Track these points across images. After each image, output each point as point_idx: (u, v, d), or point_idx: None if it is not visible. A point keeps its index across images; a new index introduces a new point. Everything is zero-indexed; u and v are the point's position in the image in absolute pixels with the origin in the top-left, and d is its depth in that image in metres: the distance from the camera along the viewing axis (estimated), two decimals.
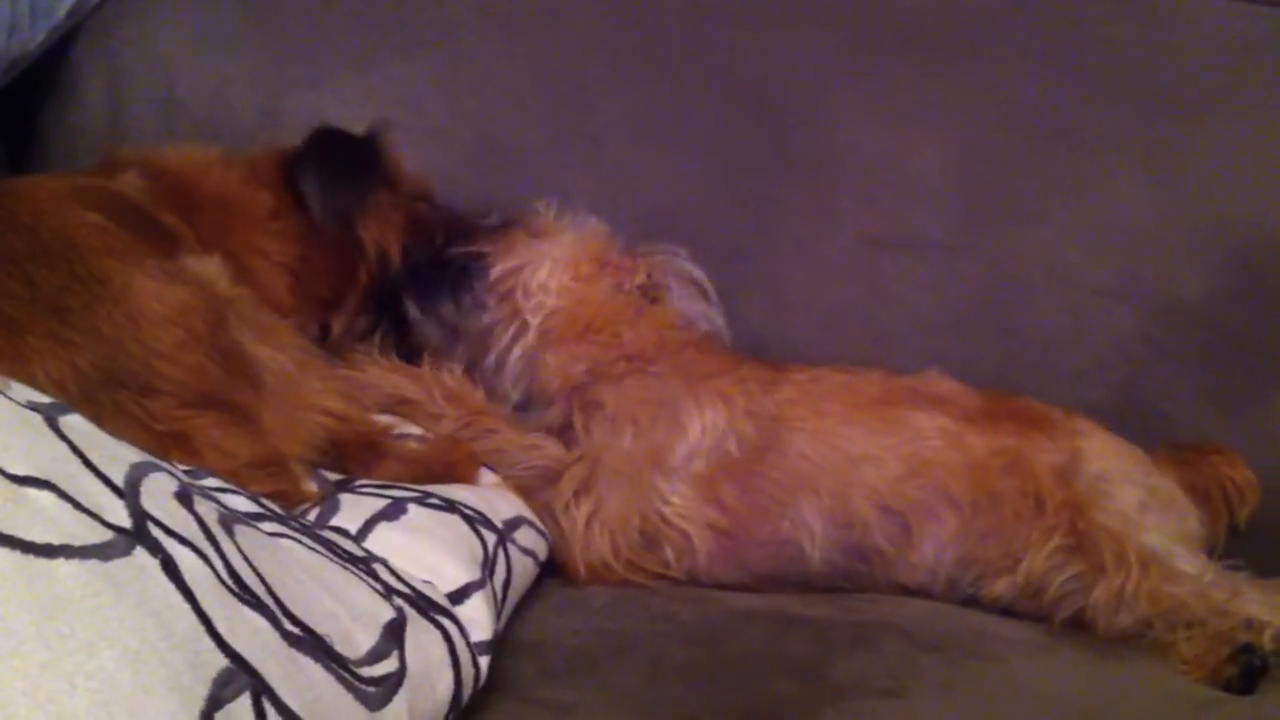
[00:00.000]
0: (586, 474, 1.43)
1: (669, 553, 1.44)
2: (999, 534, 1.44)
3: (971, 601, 1.45)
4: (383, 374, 1.48)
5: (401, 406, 1.46)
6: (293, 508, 1.11)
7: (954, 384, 1.56)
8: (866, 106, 1.78)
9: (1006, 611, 1.44)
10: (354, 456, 1.28)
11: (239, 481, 1.05)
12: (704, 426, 1.46)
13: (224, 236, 1.39)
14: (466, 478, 1.36)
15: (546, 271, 1.58)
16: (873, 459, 1.46)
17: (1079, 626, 1.38)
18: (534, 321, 1.55)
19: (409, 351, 1.55)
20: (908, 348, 1.72)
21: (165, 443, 1.06)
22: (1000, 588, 1.43)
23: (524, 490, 1.40)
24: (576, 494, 1.41)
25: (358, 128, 1.59)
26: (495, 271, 1.58)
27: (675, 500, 1.44)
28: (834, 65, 1.79)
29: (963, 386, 1.56)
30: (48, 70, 1.78)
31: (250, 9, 1.85)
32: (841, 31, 1.80)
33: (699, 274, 1.65)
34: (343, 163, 1.55)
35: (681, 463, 1.45)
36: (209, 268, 1.24)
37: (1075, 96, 1.75)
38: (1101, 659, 1.32)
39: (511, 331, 1.56)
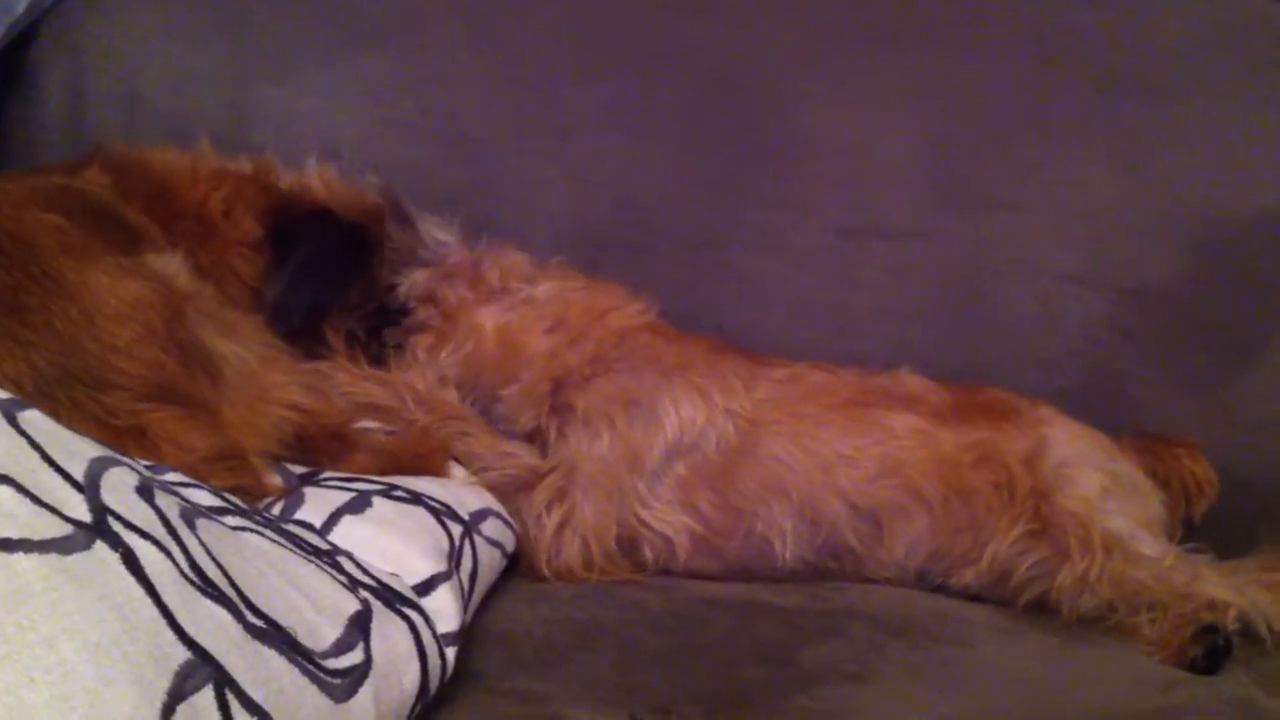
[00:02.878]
0: (562, 483, 1.42)
1: (648, 553, 1.44)
2: (971, 528, 1.45)
3: (939, 589, 1.46)
4: (353, 380, 1.46)
5: (374, 412, 1.44)
6: (255, 501, 1.10)
7: (925, 381, 1.56)
8: (834, 94, 1.78)
9: (972, 596, 1.45)
10: (322, 449, 1.28)
11: (199, 475, 1.04)
12: (681, 422, 1.46)
13: (197, 248, 1.39)
14: (436, 469, 1.36)
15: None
16: (845, 460, 1.47)
17: (1044, 610, 1.39)
18: (489, 328, 1.54)
19: (376, 356, 1.54)
20: (877, 336, 1.74)
21: (123, 438, 1.06)
22: (968, 576, 1.44)
23: (496, 495, 1.39)
24: (550, 503, 1.41)
25: (326, 124, 1.58)
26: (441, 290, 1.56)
27: (655, 505, 1.44)
28: (802, 54, 1.79)
29: (933, 383, 1.56)
30: (7, 65, 1.76)
31: (209, 6, 1.84)
32: (809, 20, 1.81)
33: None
34: (322, 279, 1.52)
35: (660, 464, 1.45)
36: (169, 264, 1.24)
37: (1041, 82, 1.76)
38: (1067, 641, 1.34)
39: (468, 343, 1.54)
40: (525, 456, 1.45)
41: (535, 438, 1.48)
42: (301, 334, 1.46)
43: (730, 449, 1.46)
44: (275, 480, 1.18)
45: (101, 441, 0.85)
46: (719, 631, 1.29)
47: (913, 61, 1.78)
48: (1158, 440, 1.59)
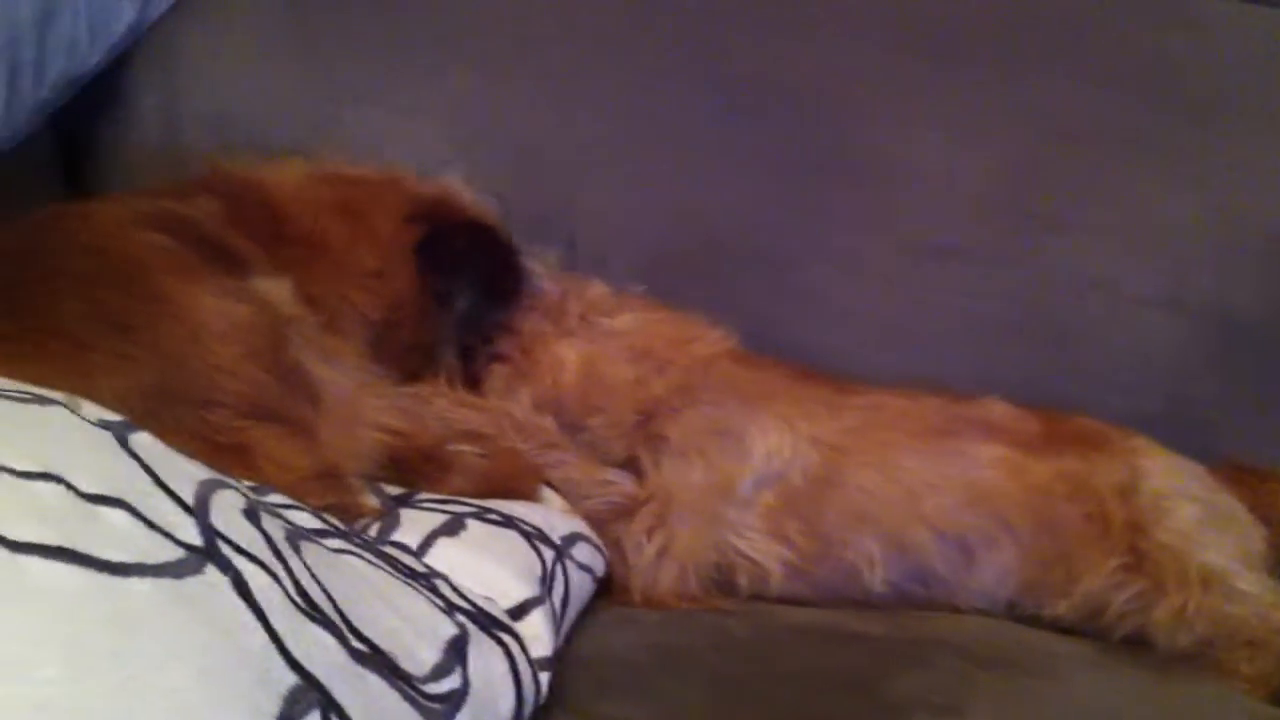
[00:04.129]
0: (659, 511, 1.42)
1: (741, 581, 1.44)
2: (1062, 560, 1.43)
3: (1031, 621, 1.44)
4: (451, 406, 1.46)
5: (471, 439, 1.43)
6: (352, 521, 1.11)
7: (1011, 409, 1.55)
8: (910, 116, 1.78)
9: (1064, 629, 1.43)
10: (418, 471, 1.28)
11: (298, 494, 1.05)
12: (769, 451, 1.45)
13: (308, 277, 1.36)
14: (528, 493, 1.36)
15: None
16: (932, 488, 1.45)
17: (1137, 644, 1.37)
18: (573, 361, 1.54)
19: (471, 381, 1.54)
20: (955, 359, 1.73)
21: (225, 455, 1.06)
22: (1061, 608, 1.42)
23: (594, 523, 1.39)
24: (649, 531, 1.41)
25: (408, 143, 1.60)
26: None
27: (748, 534, 1.43)
28: (878, 75, 1.79)
29: (1020, 411, 1.55)
30: (105, 88, 1.80)
31: (297, 27, 1.86)
32: (886, 42, 1.80)
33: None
34: (491, 288, 1.54)
35: (750, 493, 1.45)
36: (274, 289, 1.25)
37: (1119, 105, 1.74)
38: (1162, 677, 1.31)
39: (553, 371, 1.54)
40: (624, 483, 1.45)
41: (627, 467, 1.48)
42: (427, 322, 1.47)
43: (816, 478, 1.46)
44: (372, 501, 1.19)
45: (203, 460, 0.87)
46: (804, 660, 1.29)
47: (989, 84, 1.77)
48: (1252, 472, 1.56)
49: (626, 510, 1.43)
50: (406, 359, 1.47)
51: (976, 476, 1.47)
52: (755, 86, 1.80)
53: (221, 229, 1.33)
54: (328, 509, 1.07)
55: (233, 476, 0.87)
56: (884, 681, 1.23)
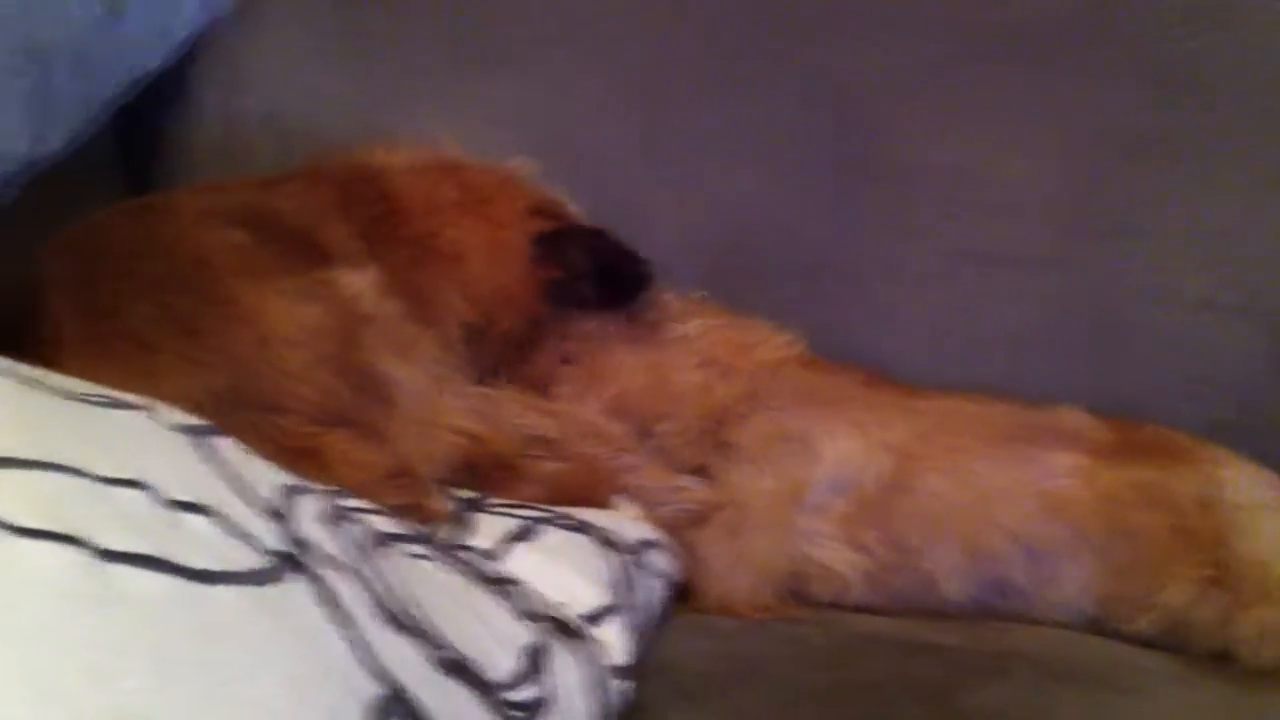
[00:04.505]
0: (733, 517, 1.41)
1: (816, 589, 1.42)
2: (1141, 571, 1.39)
3: (1113, 635, 1.41)
4: (522, 410, 1.45)
5: (542, 445, 1.42)
6: (426, 523, 1.10)
7: (1086, 417, 1.51)
8: (954, 118, 1.75)
9: (1145, 643, 1.39)
10: (489, 477, 1.27)
11: (372, 494, 1.04)
12: (838, 458, 1.43)
13: (414, 276, 1.36)
14: (601, 501, 1.34)
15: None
16: (1006, 495, 1.42)
17: (1221, 658, 1.33)
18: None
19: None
20: (1007, 364, 1.69)
21: (296, 459, 1.04)
22: (1142, 623, 1.38)
23: (669, 529, 1.37)
24: (725, 537, 1.39)
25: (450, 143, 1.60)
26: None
27: (823, 542, 1.41)
28: (922, 76, 1.75)
29: (1095, 419, 1.51)
30: (169, 86, 1.80)
31: (347, 26, 1.85)
32: (928, 43, 1.76)
33: None
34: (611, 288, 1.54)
35: (822, 499, 1.43)
36: (355, 282, 1.23)
37: (1175, 106, 1.69)
38: (1247, 691, 1.27)
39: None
40: (697, 489, 1.43)
41: (697, 474, 1.46)
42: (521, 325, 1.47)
43: (889, 484, 1.43)
44: (444, 503, 1.18)
45: (277, 465, 0.85)
46: (879, 670, 1.26)
47: (1034, 85, 1.73)
48: None
49: (700, 517, 1.41)
50: (497, 354, 1.47)
51: (1051, 485, 1.43)
52: (800, 89, 1.77)
53: (312, 219, 1.32)
54: (400, 510, 1.06)
55: (308, 480, 0.86)
56: (960, 693, 1.20)
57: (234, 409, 1.08)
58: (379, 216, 1.40)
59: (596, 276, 1.52)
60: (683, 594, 1.37)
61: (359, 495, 1.02)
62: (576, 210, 1.62)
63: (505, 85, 1.81)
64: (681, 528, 1.39)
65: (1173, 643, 1.37)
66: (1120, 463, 1.45)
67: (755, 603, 1.38)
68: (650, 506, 1.40)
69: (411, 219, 1.43)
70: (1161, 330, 1.68)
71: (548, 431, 1.44)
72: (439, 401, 1.24)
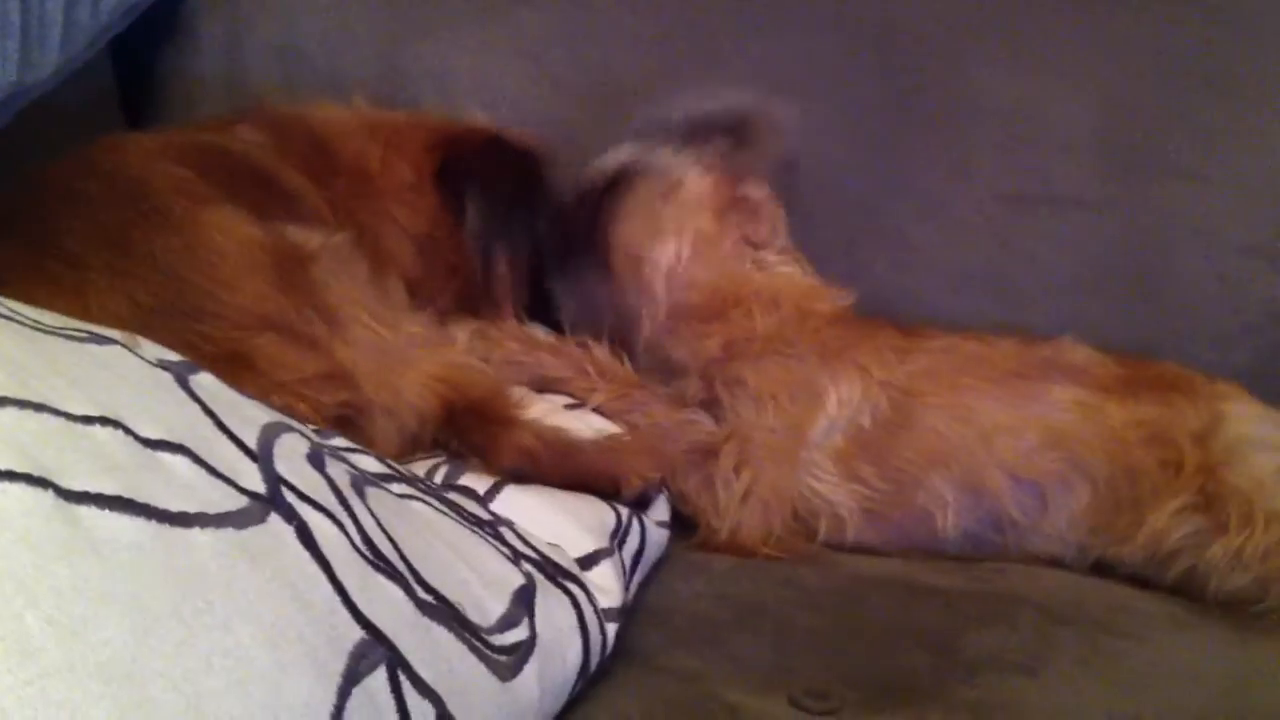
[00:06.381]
0: (740, 449, 1.40)
1: (822, 524, 1.42)
2: (1134, 507, 1.39)
3: (1099, 565, 1.41)
4: (527, 351, 1.45)
5: (548, 384, 1.43)
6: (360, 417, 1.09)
7: (1090, 352, 1.50)
8: (1003, 55, 1.71)
9: (1141, 582, 1.38)
10: (472, 429, 1.20)
11: (302, 392, 1.04)
12: (840, 400, 1.43)
13: (357, 203, 1.39)
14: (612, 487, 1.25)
15: (670, 243, 1.54)
16: (1006, 431, 1.42)
17: (1225, 605, 1.31)
18: (665, 298, 1.52)
19: (547, 322, 1.54)
20: (1041, 308, 1.68)
21: (218, 365, 1.00)
22: (1126, 550, 1.39)
23: (682, 465, 1.38)
24: (737, 468, 1.39)
25: (478, 80, 1.57)
26: (616, 237, 1.54)
27: (825, 477, 1.42)
28: (969, 12, 1.72)
29: (1100, 354, 1.50)
30: (166, 18, 1.77)
31: None
32: None
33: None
34: (505, 192, 1.55)
35: (822, 437, 1.43)
36: (309, 237, 1.21)
37: (1229, 46, 1.66)
38: (1248, 636, 1.26)
39: (640, 304, 1.53)
40: (706, 422, 1.44)
41: (706, 408, 1.47)
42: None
43: (886, 421, 1.43)
44: (389, 429, 1.15)
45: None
46: (878, 613, 1.25)
47: (1087, 22, 1.70)
48: None
49: (712, 451, 1.41)
50: (453, 284, 1.49)
51: (1053, 419, 1.43)
52: (838, 25, 1.74)
53: (271, 161, 1.32)
54: (338, 408, 1.05)
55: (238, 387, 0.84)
56: (961, 638, 1.19)
57: (159, 318, 1.06)
58: (312, 153, 1.41)
59: (484, 191, 1.53)
60: (695, 530, 1.38)
61: (290, 396, 1.02)
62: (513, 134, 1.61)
63: (541, 16, 1.78)
64: (695, 463, 1.40)
65: (1154, 570, 1.37)
66: (1124, 398, 1.44)
67: (765, 537, 1.38)
68: (662, 442, 1.40)
69: (340, 150, 1.45)
70: (1193, 273, 1.66)
71: (553, 370, 1.43)
72: (410, 352, 1.20)
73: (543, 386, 1.43)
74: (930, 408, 1.44)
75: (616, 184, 1.57)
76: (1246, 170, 1.65)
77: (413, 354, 1.21)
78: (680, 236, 1.54)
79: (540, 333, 1.51)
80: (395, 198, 1.46)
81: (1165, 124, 1.67)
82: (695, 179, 1.58)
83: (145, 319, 1.04)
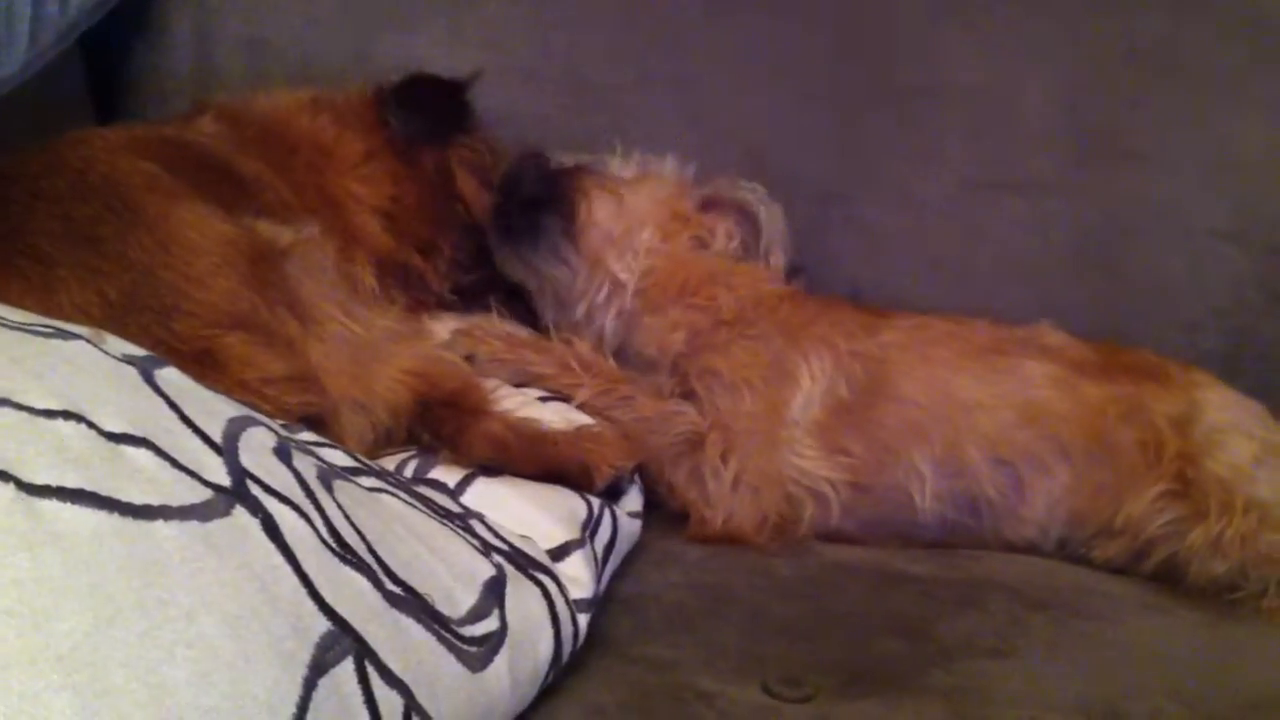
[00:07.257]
0: (724, 438, 1.41)
1: (808, 509, 1.42)
2: (1113, 488, 1.39)
3: (1082, 561, 1.41)
4: (510, 349, 1.45)
5: (532, 380, 1.43)
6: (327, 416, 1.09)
7: (1065, 336, 1.51)
8: (968, 42, 1.72)
9: (1114, 569, 1.39)
10: (444, 420, 1.20)
11: (268, 393, 1.03)
12: (812, 373, 1.44)
13: (317, 181, 1.39)
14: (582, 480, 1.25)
15: (634, 229, 1.55)
16: (983, 406, 1.42)
17: (1194, 589, 1.33)
18: (630, 283, 1.53)
19: (524, 318, 1.55)
20: (1007, 293, 1.68)
21: (188, 364, 0.96)
22: (1111, 548, 1.39)
23: (669, 457, 1.40)
24: (723, 457, 1.40)
25: (447, 71, 1.58)
26: (578, 222, 1.55)
27: (807, 453, 1.42)
28: None
29: (1075, 339, 1.51)
30: (135, 13, 1.76)
31: None
32: None
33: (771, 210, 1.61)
34: (431, 98, 1.57)
35: (800, 413, 1.43)
36: (280, 233, 1.21)
37: (1193, 32, 1.68)
38: (1216, 619, 1.28)
39: (605, 291, 1.54)
40: (690, 413, 1.43)
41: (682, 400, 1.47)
42: (431, 188, 1.54)
43: (863, 388, 1.44)
44: (360, 425, 1.15)
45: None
46: (851, 600, 1.26)
47: (1052, 8, 1.71)
48: None
49: (697, 441, 1.41)
50: (424, 232, 1.52)
51: (1029, 395, 1.44)
52: (804, 11, 1.75)
53: (224, 151, 1.31)
54: (302, 409, 1.04)
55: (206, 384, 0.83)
56: (935, 624, 1.20)
57: (128, 314, 1.05)
58: (266, 139, 1.41)
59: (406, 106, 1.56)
60: (686, 521, 1.39)
61: (254, 395, 1.01)
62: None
63: (495, 12, 1.77)
64: (683, 453, 1.41)
65: (1133, 560, 1.38)
66: (1101, 379, 1.45)
67: (758, 523, 1.39)
68: (650, 437, 1.40)
69: (292, 131, 1.47)
70: (1160, 255, 1.68)
71: (537, 366, 1.43)
72: (383, 347, 1.20)
73: (527, 384, 1.43)
74: (906, 377, 1.45)
75: (570, 172, 1.58)
76: (1208, 156, 1.67)
77: (386, 348, 1.21)
78: (641, 221, 1.55)
79: (523, 331, 1.51)
80: (352, 172, 1.48)
81: (1129, 109, 1.69)
82: (655, 181, 1.60)
83: (117, 316, 1.04)
